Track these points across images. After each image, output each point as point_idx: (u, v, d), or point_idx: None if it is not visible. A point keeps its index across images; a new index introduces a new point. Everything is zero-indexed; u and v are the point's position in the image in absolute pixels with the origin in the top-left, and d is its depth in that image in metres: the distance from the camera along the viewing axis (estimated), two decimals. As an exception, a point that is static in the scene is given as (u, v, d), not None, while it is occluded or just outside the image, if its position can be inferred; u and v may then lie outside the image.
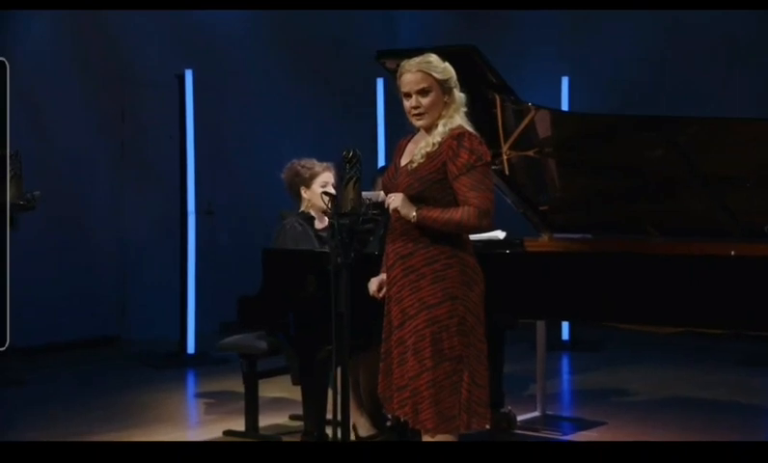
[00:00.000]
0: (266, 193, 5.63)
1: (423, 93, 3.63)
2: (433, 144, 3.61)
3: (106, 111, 7.85)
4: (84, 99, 7.74)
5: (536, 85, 8.01)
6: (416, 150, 3.66)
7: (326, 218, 4.91)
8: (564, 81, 7.83)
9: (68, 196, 7.51)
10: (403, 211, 3.62)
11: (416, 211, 3.60)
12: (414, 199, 3.62)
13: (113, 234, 7.91)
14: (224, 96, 8.24)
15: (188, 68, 7.26)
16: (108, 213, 7.90)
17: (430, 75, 3.62)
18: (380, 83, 8.00)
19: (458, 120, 3.64)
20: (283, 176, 5.07)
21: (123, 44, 7.86)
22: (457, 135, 3.60)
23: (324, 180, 4.99)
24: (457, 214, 3.57)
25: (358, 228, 3.64)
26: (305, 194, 5.01)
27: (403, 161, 3.72)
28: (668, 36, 8.24)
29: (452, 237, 3.63)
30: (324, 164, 5.05)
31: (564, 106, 7.84)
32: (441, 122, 3.64)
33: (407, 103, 3.66)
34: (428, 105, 3.63)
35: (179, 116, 7.32)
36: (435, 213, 3.59)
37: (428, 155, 3.61)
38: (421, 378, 3.59)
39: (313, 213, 4.99)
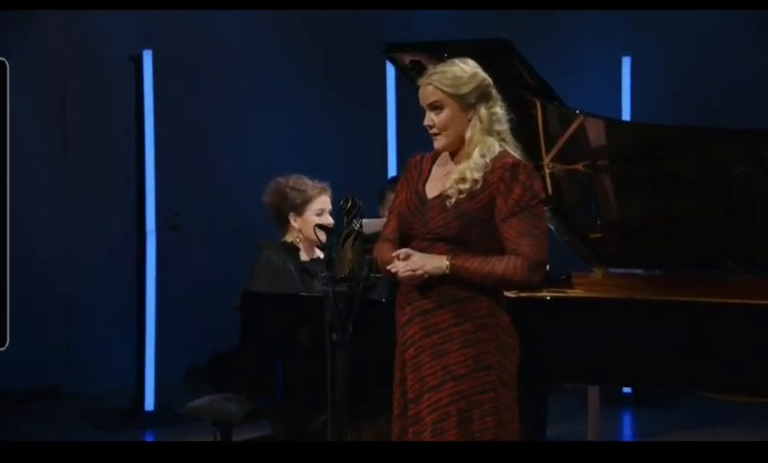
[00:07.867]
0: (249, 205, 5.64)
1: (434, 108, 3.75)
2: (474, 179, 3.68)
3: (44, 100, 7.93)
4: (16, 85, 7.81)
5: (595, 67, 8.13)
6: (447, 183, 3.73)
7: (317, 249, 5.03)
8: (626, 62, 7.95)
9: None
10: (434, 271, 3.65)
11: (449, 261, 3.65)
12: (448, 240, 3.68)
13: (53, 257, 7.97)
14: (197, 84, 8.28)
15: (147, 48, 7.34)
16: (47, 229, 7.96)
17: (439, 89, 3.73)
18: (391, 79, 8.08)
19: (497, 146, 3.72)
20: (265, 199, 5.10)
21: (66, 18, 7.92)
22: (511, 166, 3.67)
23: (320, 207, 5.03)
24: (500, 266, 3.63)
25: (359, 296, 3.68)
26: (295, 222, 5.05)
27: (431, 190, 3.79)
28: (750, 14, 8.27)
29: (488, 289, 3.69)
30: (320, 185, 5.08)
31: (626, 91, 7.98)
32: (477, 151, 3.71)
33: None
34: (441, 124, 3.75)
35: (136, 106, 7.41)
36: (473, 264, 3.64)
37: (470, 192, 3.68)
38: None
39: (299, 244, 5.05)
